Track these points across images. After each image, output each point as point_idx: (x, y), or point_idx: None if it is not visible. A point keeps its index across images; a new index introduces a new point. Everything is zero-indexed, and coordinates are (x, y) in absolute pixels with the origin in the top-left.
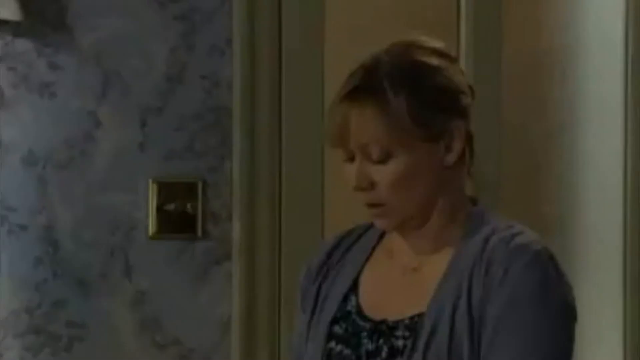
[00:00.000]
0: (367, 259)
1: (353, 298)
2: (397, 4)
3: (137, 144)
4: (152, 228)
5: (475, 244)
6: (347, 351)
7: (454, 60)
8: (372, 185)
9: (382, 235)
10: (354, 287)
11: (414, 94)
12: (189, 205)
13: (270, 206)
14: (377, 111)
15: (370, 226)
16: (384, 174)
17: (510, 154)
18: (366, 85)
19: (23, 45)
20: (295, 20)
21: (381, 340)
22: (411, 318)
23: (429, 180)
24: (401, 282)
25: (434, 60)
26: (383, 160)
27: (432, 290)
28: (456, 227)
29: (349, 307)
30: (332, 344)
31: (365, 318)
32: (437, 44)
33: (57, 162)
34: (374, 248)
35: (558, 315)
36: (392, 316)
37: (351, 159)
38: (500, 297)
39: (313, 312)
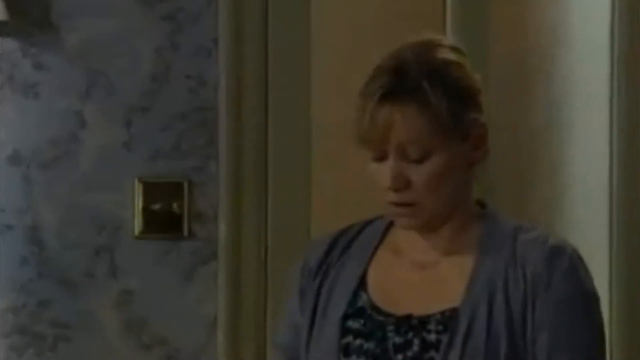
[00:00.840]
0: (371, 257)
1: (363, 294)
2: (383, 3)
3: (122, 143)
4: (137, 228)
5: (501, 244)
6: (368, 345)
7: (467, 56)
8: (408, 185)
9: (384, 233)
10: (360, 284)
11: (450, 92)
12: (175, 205)
13: (257, 206)
14: (421, 111)
15: (367, 224)
16: (421, 174)
17: (497, 154)
18: (405, 86)
19: (8, 45)
20: (282, 20)
21: (410, 334)
22: (442, 313)
23: (458, 179)
24: (417, 279)
25: (457, 58)
26: (420, 159)
27: (457, 287)
28: (472, 226)
29: (360, 303)
30: (349, 338)
31: (384, 313)
32: (451, 41)
33: (42, 162)
34: (377, 246)
35: (597, 309)
36: (417, 311)
37: (381, 158)
38: (549, 303)
39: (315, 310)
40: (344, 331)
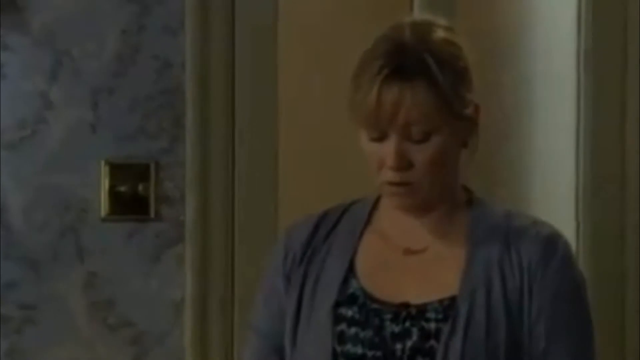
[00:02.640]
0: (358, 241)
1: (353, 281)
2: None
3: (88, 125)
4: (104, 210)
5: (493, 232)
6: (364, 333)
7: (461, 36)
8: (409, 165)
9: (368, 217)
10: (349, 269)
11: (454, 71)
12: (141, 187)
13: (224, 188)
14: (430, 89)
15: (349, 206)
16: (423, 154)
17: None
18: (411, 64)
19: None
20: (249, 1)
21: (408, 323)
22: (440, 301)
23: (455, 161)
24: (408, 265)
25: (454, 38)
26: (424, 139)
27: (452, 275)
28: (460, 212)
29: (351, 290)
30: (343, 326)
31: (379, 301)
32: (445, 21)
33: (8, 144)
34: (362, 230)
35: (587, 295)
36: (413, 299)
37: (380, 138)
38: (546, 292)
39: (301, 297)
40: (336, 319)
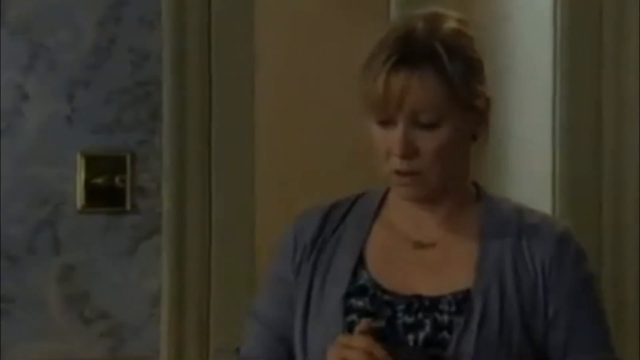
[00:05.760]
0: (367, 233)
1: (364, 273)
2: None
3: (65, 117)
4: (80, 202)
5: (504, 226)
6: (376, 324)
7: (473, 29)
8: (416, 153)
9: (378, 208)
10: (358, 261)
11: (464, 61)
12: (117, 179)
13: (200, 180)
14: (438, 77)
15: (358, 197)
16: (430, 142)
17: None
18: (420, 52)
19: None
20: None
21: (420, 314)
22: (453, 294)
23: (464, 151)
24: (418, 258)
25: (466, 29)
26: (431, 127)
27: (464, 268)
28: (469, 205)
29: (361, 282)
30: (353, 317)
31: (390, 292)
32: (458, 14)
33: None
34: (372, 221)
35: (598, 289)
36: (425, 291)
37: (387, 122)
38: (563, 288)
39: (311, 288)
40: (347, 309)
